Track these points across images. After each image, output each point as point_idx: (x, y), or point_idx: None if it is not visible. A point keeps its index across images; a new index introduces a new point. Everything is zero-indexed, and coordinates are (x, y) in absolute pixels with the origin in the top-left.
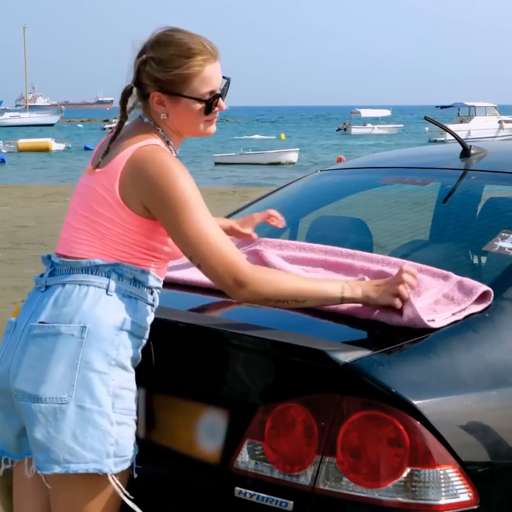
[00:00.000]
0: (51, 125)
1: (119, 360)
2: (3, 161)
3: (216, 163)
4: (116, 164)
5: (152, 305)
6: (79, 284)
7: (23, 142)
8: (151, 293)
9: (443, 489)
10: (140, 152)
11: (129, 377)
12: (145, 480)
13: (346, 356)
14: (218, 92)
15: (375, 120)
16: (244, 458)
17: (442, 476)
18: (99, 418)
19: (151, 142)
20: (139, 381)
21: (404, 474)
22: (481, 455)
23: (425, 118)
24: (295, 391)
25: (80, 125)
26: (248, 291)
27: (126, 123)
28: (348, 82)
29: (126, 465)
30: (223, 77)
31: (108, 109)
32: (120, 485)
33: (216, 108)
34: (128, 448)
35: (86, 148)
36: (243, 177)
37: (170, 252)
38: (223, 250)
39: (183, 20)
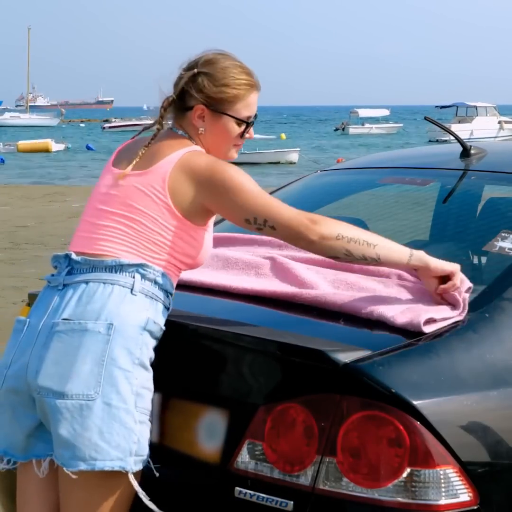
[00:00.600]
0: (52, 126)
1: (141, 359)
2: (2, 161)
3: None
4: (162, 167)
5: (167, 308)
6: (104, 283)
7: (23, 143)
8: (167, 296)
9: (443, 489)
10: (190, 156)
11: (149, 377)
12: (145, 480)
13: (346, 356)
14: (253, 120)
15: (374, 120)
16: (244, 458)
17: (442, 476)
18: (125, 416)
19: (196, 148)
20: None
21: (404, 474)
22: (481, 455)
23: (425, 118)
24: (295, 391)
25: (82, 125)
26: (323, 227)
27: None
28: (348, 82)
29: (141, 465)
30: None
31: (108, 109)
32: (137, 485)
33: (248, 135)
34: (146, 448)
35: (88, 148)
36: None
37: (193, 263)
38: (287, 207)
39: (183, 20)
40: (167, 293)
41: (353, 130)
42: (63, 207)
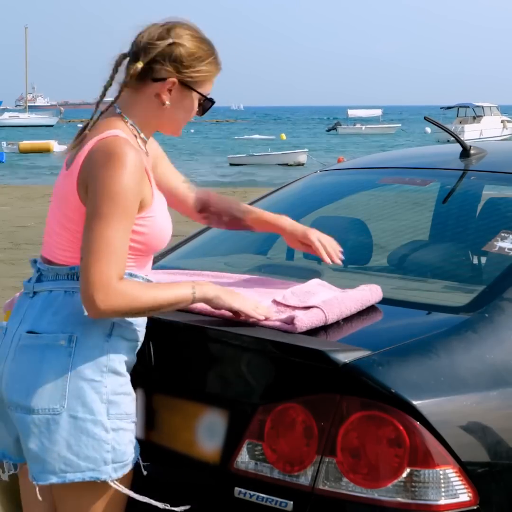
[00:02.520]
0: (50, 126)
1: (111, 366)
2: (2, 158)
3: (231, 164)
4: (78, 161)
5: None
6: (65, 291)
7: (25, 143)
8: None
9: (442, 489)
10: (99, 144)
11: (123, 382)
12: (145, 480)
13: (346, 356)
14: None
15: (366, 120)
16: (244, 458)
17: (441, 476)
18: (92, 427)
19: (111, 133)
20: (138, 382)
21: (404, 474)
22: (481, 455)
23: (425, 118)
24: (295, 391)
25: (80, 125)
26: (101, 309)
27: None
28: (348, 82)
29: (127, 469)
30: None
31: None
32: (123, 488)
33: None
34: (127, 453)
35: None
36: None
37: (146, 249)
38: (103, 260)
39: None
40: None
41: (342, 130)
42: None
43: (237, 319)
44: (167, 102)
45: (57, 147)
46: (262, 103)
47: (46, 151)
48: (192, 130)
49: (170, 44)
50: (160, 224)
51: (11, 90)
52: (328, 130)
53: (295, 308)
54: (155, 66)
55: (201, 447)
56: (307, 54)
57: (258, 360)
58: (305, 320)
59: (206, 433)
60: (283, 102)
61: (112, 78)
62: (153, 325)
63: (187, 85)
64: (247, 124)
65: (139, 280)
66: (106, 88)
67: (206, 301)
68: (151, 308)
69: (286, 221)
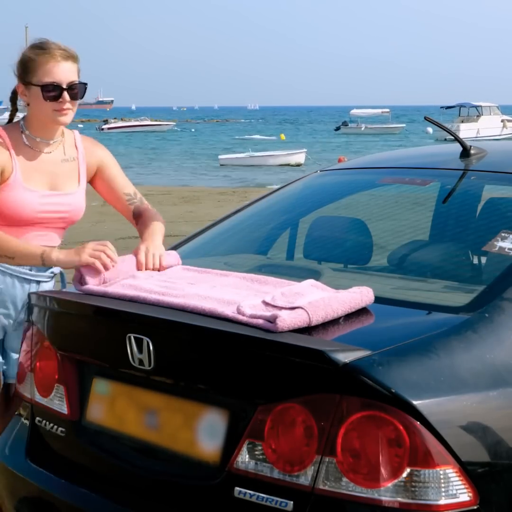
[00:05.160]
0: None
1: None
2: None
3: (221, 165)
4: None
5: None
6: None
7: None
8: None
9: (443, 489)
10: None
11: None
12: (145, 480)
13: (346, 356)
14: (64, 87)
15: (369, 120)
16: (244, 458)
17: (442, 476)
18: None
19: None
20: (138, 382)
21: (404, 474)
22: (481, 455)
23: (425, 118)
24: (295, 391)
25: (81, 125)
26: None
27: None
28: (349, 82)
29: None
30: (81, 82)
31: (108, 109)
32: None
33: (60, 99)
34: None
35: None
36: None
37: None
38: None
39: (183, 20)
40: None
41: (344, 129)
42: None
43: (237, 318)
44: (27, 103)
45: None
46: (278, 103)
47: None
48: (193, 130)
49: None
50: (14, 197)
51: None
52: (336, 129)
53: (281, 308)
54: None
55: (201, 447)
56: (307, 54)
57: (258, 360)
58: (287, 320)
59: (206, 433)
60: (300, 102)
61: (10, 100)
62: (154, 324)
63: (26, 82)
64: (246, 123)
65: None
66: (11, 111)
67: (53, 264)
68: (4, 251)
69: (148, 239)
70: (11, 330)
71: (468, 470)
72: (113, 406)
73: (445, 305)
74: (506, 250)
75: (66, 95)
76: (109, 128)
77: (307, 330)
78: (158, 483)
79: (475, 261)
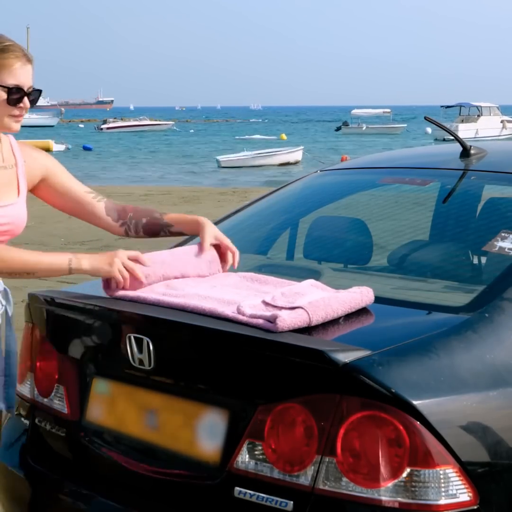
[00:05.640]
0: (51, 126)
1: None
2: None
3: (220, 167)
4: None
5: None
6: None
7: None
8: None
9: (442, 489)
10: None
11: None
12: (145, 480)
13: (346, 356)
14: (26, 91)
15: (371, 120)
16: (244, 458)
17: (441, 476)
18: None
19: None
20: (138, 381)
21: (404, 474)
22: (481, 455)
23: (425, 118)
24: (295, 391)
25: (81, 125)
26: None
27: None
28: (349, 82)
29: None
30: (36, 89)
31: (108, 109)
32: None
33: (21, 104)
34: None
35: (85, 148)
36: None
37: None
38: None
39: (185, 21)
40: None
41: (345, 129)
42: None
43: (237, 318)
44: None
45: (55, 146)
46: (281, 103)
47: (45, 150)
48: (192, 130)
49: None
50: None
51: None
52: (337, 129)
53: (281, 308)
54: None
55: (201, 446)
56: (309, 55)
57: (258, 360)
58: (287, 320)
59: (206, 432)
60: (302, 102)
61: None
62: (154, 324)
63: None
64: (247, 123)
65: None
66: None
67: (85, 272)
68: (22, 268)
69: (205, 218)
70: None
71: (468, 470)
72: (113, 406)
73: (445, 305)
74: (506, 250)
75: (26, 100)
76: (108, 128)
77: (307, 330)
78: (158, 483)
79: (475, 261)
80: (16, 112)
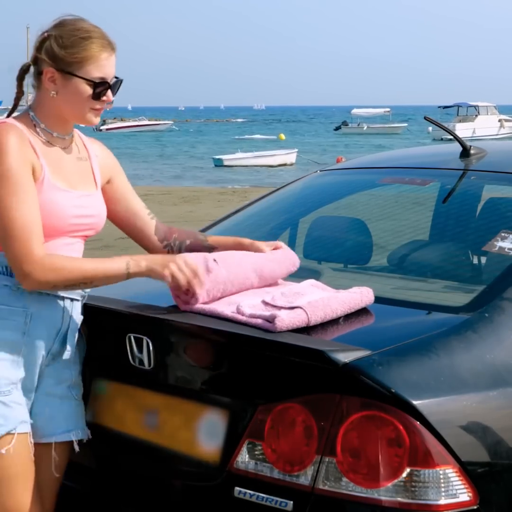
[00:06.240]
0: None
1: None
2: None
3: (224, 166)
4: None
5: (9, 285)
6: None
7: None
8: (9, 274)
9: (442, 489)
10: None
11: None
12: (145, 480)
13: (346, 356)
14: (109, 83)
15: (371, 120)
16: (244, 458)
17: (441, 476)
18: None
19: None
20: (138, 381)
21: (404, 474)
22: (481, 455)
23: (425, 118)
24: (295, 391)
25: (83, 125)
26: (33, 281)
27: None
28: (349, 82)
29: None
30: (116, 77)
31: (108, 109)
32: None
33: (104, 98)
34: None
35: None
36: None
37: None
38: (18, 239)
39: (183, 20)
40: (4, 269)
41: (345, 129)
42: None
43: (237, 318)
44: (52, 92)
45: None
46: (285, 103)
47: None
48: (191, 130)
49: (44, 38)
50: (49, 200)
51: (11, 90)
52: (336, 129)
53: (281, 308)
54: (38, 61)
55: (201, 446)
56: (308, 55)
57: (258, 360)
58: (286, 320)
59: (206, 432)
60: (306, 102)
61: (17, 80)
62: (154, 324)
63: (66, 72)
64: (247, 123)
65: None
66: (16, 94)
67: (143, 275)
68: (80, 279)
69: (247, 240)
70: (43, 366)
71: (468, 470)
72: (113, 406)
73: (445, 305)
74: (506, 250)
75: (110, 93)
76: (107, 129)
77: (307, 330)
78: (158, 483)
79: (475, 261)
80: (97, 105)
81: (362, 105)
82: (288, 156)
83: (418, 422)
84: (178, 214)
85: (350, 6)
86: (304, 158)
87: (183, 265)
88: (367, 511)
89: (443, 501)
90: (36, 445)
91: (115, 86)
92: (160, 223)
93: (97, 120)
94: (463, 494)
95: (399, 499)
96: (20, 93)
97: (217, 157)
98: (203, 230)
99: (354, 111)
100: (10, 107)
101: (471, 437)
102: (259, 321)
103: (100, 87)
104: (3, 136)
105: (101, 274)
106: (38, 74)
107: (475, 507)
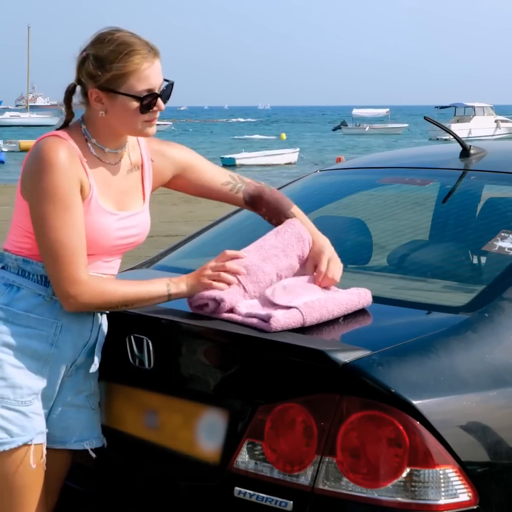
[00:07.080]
0: (52, 126)
1: None
2: (2, 162)
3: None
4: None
5: (43, 295)
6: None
7: (25, 141)
8: (44, 283)
9: (442, 489)
10: (34, 145)
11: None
12: (145, 480)
13: (346, 356)
14: (157, 92)
15: (371, 120)
16: (244, 458)
17: (441, 476)
18: None
19: (51, 133)
20: (138, 381)
21: (404, 474)
22: (481, 455)
23: (425, 118)
24: (295, 391)
25: None
26: (78, 304)
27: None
28: (349, 82)
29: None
30: (165, 80)
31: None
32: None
33: (155, 108)
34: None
35: None
36: None
37: None
38: (63, 260)
39: (184, 20)
40: (43, 278)
41: (346, 130)
42: None
43: (232, 318)
44: (101, 112)
45: None
46: (290, 103)
47: None
48: (191, 129)
49: (84, 58)
50: (95, 222)
51: (11, 90)
52: (334, 129)
53: (277, 307)
54: (82, 82)
55: (201, 446)
56: (308, 55)
57: (258, 360)
58: (281, 321)
59: (206, 433)
60: (310, 102)
61: (65, 102)
62: (153, 323)
63: (109, 90)
64: (247, 123)
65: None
66: (66, 117)
67: (184, 296)
68: (122, 302)
69: (320, 240)
70: (66, 377)
71: (468, 470)
72: (113, 406)
73: (445, 305)
74: (506, 250)
75: (160, 103)
76: None
77: (307, 330)
78: (158, 483)
79: (475, 261)
80: (149, 117)
81: (361, 105)
82: (292, 155)
83: (418, 422)
84: (178, 214)
85: (349, 6)
86: (305, 158)
87: (212, 268)
88: (367, 511)
89: (443, 501)
90: (48, 449)
91: (165, 92)
92: (247, 194)
93: (153, 131)
94: (463, 494)
95: (399, 499)
96: (70, 116)
97: (228, 156)
98: (203, 230)
99: (355, 111)
100: (10, 106)
101: (471, 437)
102: (255, 320)
103: (147, 100)
104: (53, 150)
105: (143, 297)
106: (84, 94)
107: (475, 507)
